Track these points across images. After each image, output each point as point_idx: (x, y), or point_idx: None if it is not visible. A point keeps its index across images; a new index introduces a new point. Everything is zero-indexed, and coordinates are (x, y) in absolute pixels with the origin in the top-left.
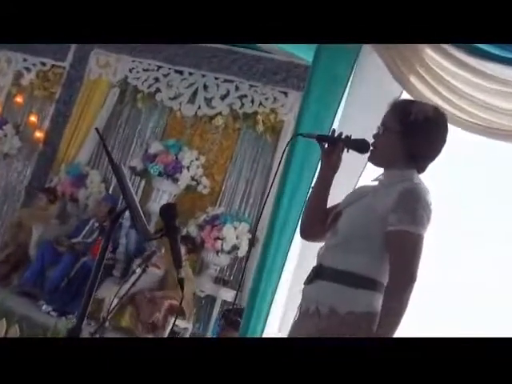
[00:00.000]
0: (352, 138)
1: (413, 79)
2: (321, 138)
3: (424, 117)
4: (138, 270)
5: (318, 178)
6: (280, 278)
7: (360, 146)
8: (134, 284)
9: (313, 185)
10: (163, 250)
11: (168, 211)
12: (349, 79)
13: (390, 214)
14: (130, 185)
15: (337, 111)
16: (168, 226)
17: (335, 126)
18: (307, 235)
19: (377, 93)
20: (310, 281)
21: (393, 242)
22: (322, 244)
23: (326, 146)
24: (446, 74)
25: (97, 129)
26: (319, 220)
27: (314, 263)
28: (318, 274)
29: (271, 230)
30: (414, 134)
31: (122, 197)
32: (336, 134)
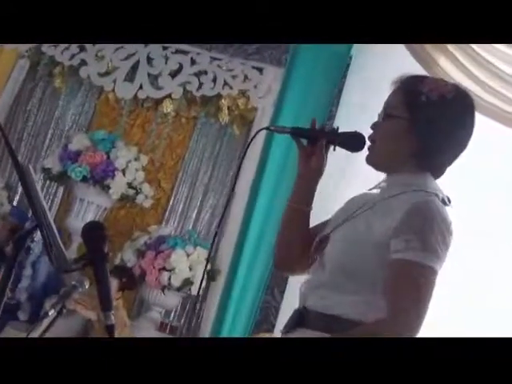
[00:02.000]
0: (340, 130)
1: (442, 61)
2: (297, 133)
3: (440, 97)
4: (52, 313)
5: (295, 186)
6: (251, 325)
7: (351, 141)
8: (46, 331)
9: (289, 196)
10: (87, 285)
11: (93, 232)
12: (351, 56)
13: (393, 238)
14: (40, 194)
15: (333, 97)
16: (93, 252)
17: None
18: (283, 266)
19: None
20: (289, 328)
21: (395, 273)
22: (306, 277)
23: (305, 143)
24: (488, 53)
25: None
26: (299, 246)
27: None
28: (300, 319)
29: (238, 258)
30: (426, 122)
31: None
32: (318, 126)
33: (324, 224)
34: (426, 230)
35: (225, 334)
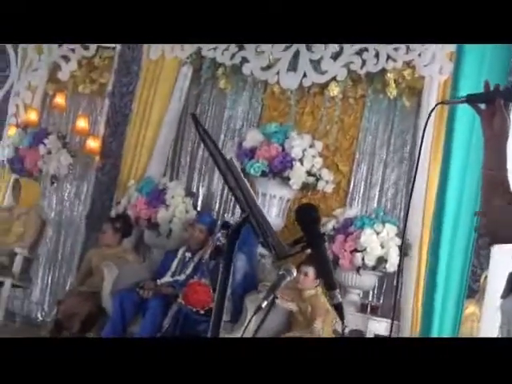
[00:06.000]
0: None
1: None
2: (473, 99)
3: None
4: (265, 304)
5: (484, 151)
6: (464, 290)
7: None
8: (261, 324)
9: (482, 165)
10: (295, 273)
11: (308, 214)
12: None
13: None
14: (248, 184)
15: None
16: (310, 234)
17: None
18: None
19: None
20: (508, 293)
21: None
22: None
23: (483, 107)
24: None
25: (193, 114)
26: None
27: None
28: None
29: (439, 228)
30: None
31: (240, 207)
32: (492, 87)
33: None
34: None
35: (438, 308)
